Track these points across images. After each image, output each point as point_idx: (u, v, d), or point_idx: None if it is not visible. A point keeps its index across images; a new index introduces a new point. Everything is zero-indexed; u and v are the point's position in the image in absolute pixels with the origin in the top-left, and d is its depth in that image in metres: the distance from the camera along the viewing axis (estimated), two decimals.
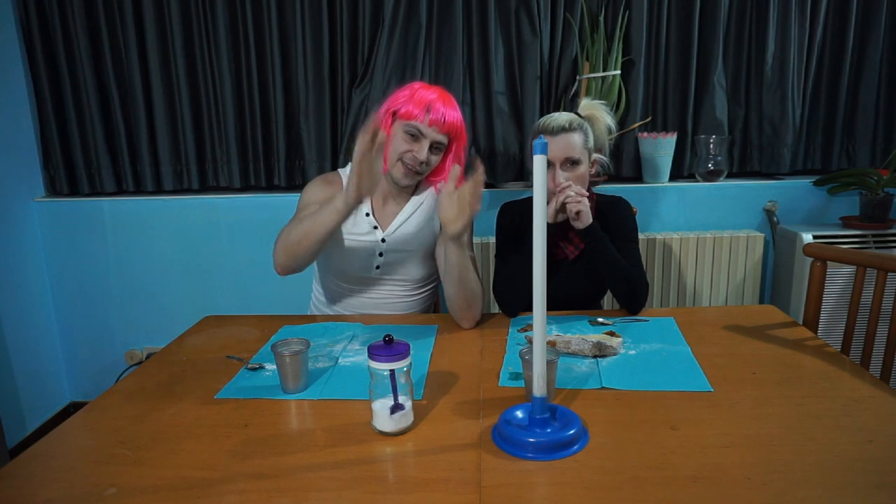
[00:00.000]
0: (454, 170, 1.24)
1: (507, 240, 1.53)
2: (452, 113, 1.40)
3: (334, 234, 1.32)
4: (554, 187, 1.38)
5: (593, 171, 1.48)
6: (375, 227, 1.47)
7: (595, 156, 1.47)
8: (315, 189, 1.48)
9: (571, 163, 1.39)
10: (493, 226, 1.56)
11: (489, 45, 2.12)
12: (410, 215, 1.49)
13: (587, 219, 1.36)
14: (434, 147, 1.40)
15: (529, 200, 1.52)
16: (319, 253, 1.34)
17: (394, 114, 1.41)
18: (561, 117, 1.40)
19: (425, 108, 1.36)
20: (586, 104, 1.47)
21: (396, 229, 1.48)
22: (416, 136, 1.38)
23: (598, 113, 1.46)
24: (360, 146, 1.15)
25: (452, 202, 1.23)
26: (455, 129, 1.41)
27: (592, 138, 1.44)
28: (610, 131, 1.49)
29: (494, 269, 1.52)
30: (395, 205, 1.50)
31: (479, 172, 1.19)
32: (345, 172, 1.52)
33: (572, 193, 1.34)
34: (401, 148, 1.39)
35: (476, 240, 2.11)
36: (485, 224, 2.05)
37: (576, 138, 1.39)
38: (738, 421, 0.93)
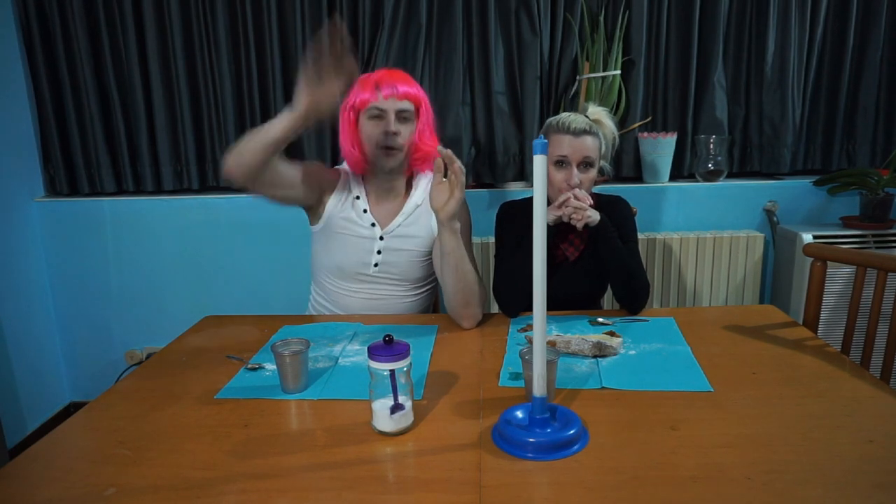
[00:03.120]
0: (437, 163, 1.26)
1: (507, 240, 1.53)
2: (403, 82, 1.42)
3: (282, 146, 1.27)
4: (568, 187, 1.39)
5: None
6: (373, 225, 1.47)
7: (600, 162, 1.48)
8: (316, 163, 1.53)
9: (587, 164, 1.41)
10: (493, 226, 1.56)
11: (489, 45, 2.12)
12: (410, 215, 1.50)
13: (594, 221, 1.38)
14: (401, 117, 1.41)
15: (529, 200, 1.52)
16: (266, 164, 1.28)
17: (354, 109, 1.43)
18: (580, 118, 1.42)
19: (374, 86, 1.39)
20: (594, 111, 1.49)
21: (396, 227, 1.48)
22: (379, 115, 1.41)
23: (605, 120, 1.48)
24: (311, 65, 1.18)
25: (442, 188, 1.28)
26: (413, 95, 1.42)
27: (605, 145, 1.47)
28: (613, 139, 1.51)
29: (494, 269, 1.52)
30: (391, 202, 1.51)
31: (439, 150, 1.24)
32: (344, 168, 1.54)
33: (572, 209, 1.36)
34: (373, 134, 1.41)
35: (476, 240, 2.11)
36: (485, 224, 2.05)
37: (595, 141, 1.41)
38: (738, 421, 0.93)
